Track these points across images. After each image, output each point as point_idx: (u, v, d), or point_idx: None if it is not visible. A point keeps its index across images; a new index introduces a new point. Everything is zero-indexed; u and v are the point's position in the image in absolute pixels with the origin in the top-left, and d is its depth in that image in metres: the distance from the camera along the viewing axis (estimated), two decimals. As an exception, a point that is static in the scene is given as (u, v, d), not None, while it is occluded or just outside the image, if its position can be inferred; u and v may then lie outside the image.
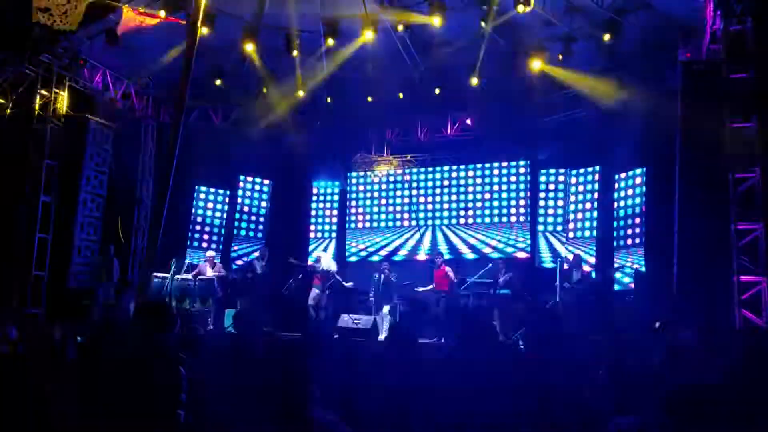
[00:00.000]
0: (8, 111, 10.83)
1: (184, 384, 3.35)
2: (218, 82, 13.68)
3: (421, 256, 15.14)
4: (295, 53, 12.34)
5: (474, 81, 13.13)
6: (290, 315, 12.16)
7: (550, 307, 10.96)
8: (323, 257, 13.44)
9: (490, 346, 4.11)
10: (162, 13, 10.42)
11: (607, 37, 11.18)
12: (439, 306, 11.93)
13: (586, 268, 12.48)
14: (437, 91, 13.93)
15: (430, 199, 15.70)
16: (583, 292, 11.24)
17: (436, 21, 10.84)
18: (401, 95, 14.11)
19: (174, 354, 3.50)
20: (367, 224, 16.23)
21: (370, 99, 14.37)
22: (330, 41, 11.89)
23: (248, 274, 12.88)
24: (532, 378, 3.42)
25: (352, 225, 16.32)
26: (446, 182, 15.59)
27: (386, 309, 12.11)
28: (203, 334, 5.74)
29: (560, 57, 11.98)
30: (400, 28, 11.83)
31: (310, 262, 13.97)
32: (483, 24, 11.28)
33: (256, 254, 13.83)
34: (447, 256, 13.92)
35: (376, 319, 11.58)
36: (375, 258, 15.49)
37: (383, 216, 16.11)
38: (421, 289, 12.44)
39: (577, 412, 3.18)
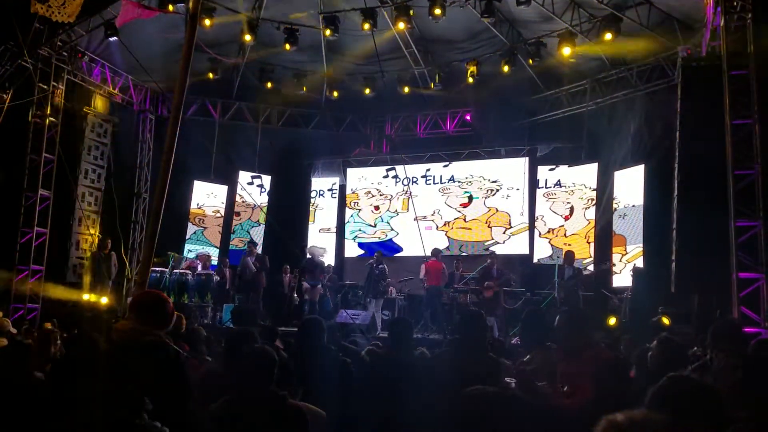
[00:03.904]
0: (6, 104, 10.77)
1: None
2: (211, 75, 13.62)
3: (419, 252, 15.08)
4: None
5: (472, 78, 13.12)
6: (287, 309, 12.16)
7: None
8: (321, 251, 13.32)
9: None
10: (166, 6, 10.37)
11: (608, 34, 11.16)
12: (435, 302, 11.89)
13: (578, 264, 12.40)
14: (433, 85, 13.93)
15: (428, 194, 15.64)
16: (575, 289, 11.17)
17: (437, 12, 10.88)
18: (406, 89, 14.06)
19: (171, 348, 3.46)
20: (366, 221, 16.18)
21: (368, 91, 14.33)
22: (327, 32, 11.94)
23: (246, 270, 12.84)
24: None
25: (351, 221, 16.27)
26: (445, 178, 15.53)
27: (378, 304, 12.06)
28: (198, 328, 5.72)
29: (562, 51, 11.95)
30: (401, 25, 11.80)
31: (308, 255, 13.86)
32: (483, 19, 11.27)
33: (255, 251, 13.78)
34: (444, 252, 13.87)
35: (375, 315, 11.55)
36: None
37: (382, 212, 16.06)
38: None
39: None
